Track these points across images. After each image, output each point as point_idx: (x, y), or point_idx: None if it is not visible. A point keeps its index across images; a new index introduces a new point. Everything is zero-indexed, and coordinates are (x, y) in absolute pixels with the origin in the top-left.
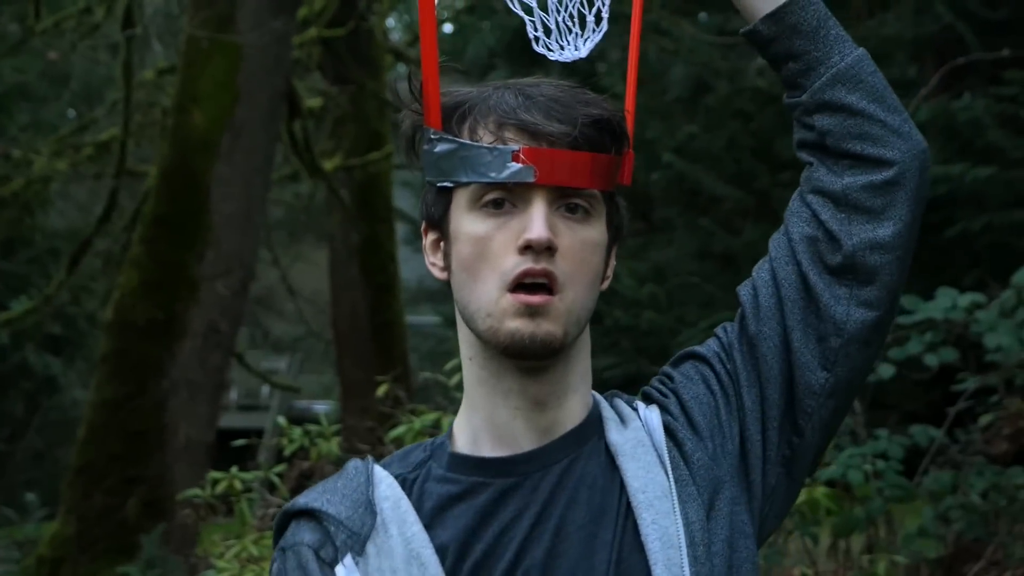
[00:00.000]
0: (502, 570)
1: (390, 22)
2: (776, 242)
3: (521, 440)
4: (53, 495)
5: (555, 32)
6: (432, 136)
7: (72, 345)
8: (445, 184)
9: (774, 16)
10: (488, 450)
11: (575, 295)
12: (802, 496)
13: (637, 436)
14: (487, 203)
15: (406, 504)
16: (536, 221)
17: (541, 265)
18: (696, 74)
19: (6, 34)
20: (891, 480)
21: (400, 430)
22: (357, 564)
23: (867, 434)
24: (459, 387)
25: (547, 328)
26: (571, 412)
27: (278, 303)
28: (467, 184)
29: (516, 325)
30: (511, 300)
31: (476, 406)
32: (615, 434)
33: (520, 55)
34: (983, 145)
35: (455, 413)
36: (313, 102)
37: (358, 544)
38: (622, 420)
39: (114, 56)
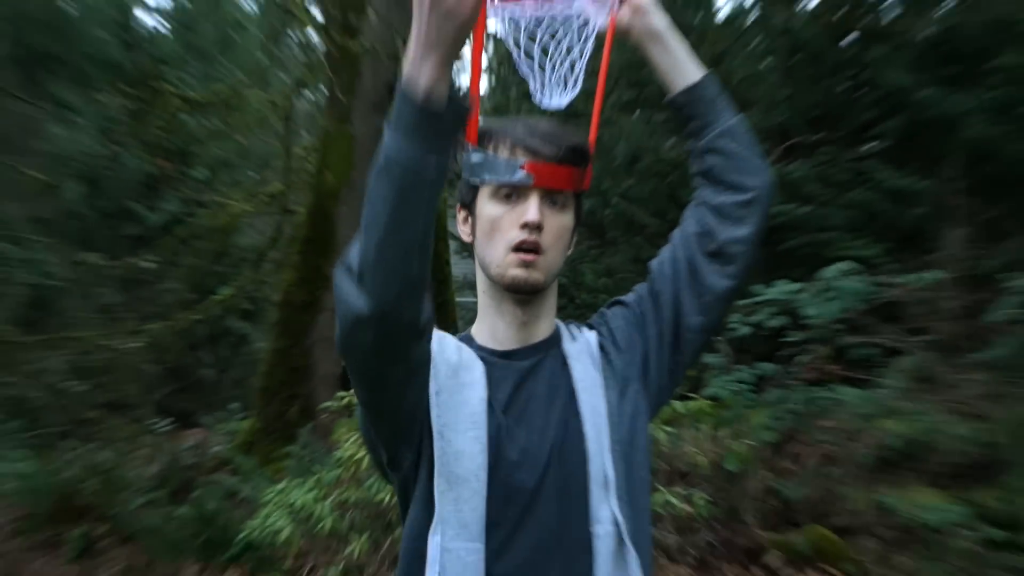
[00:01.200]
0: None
1: None
2: (676, 234)
3: (511, 343)
4: (247, 405)
5: (547, 90)
6: (470, 149)
7: (256, 316)
8: (475, 181)
9: (688, 90)
10: (490, 346)
11: (552, 257)
12: (694, 406)
13: (580, 347)
14: (502, 196)
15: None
16: (532, 209)
17: (533, 237)
18: (632, 148)
19: (214, 127)
20: (747, 396)
21: None
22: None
23: (733, 368)
24: None
25: (535, 276)
26: (542, 329)
27: None
28: (489, 182)
29: (516, 272)
30: (513, 257)
31: (484, 321)
32: (568, 344)
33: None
34: (805, 193)
35: None
36: None
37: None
38: (573, 337)
39: (278, 139)
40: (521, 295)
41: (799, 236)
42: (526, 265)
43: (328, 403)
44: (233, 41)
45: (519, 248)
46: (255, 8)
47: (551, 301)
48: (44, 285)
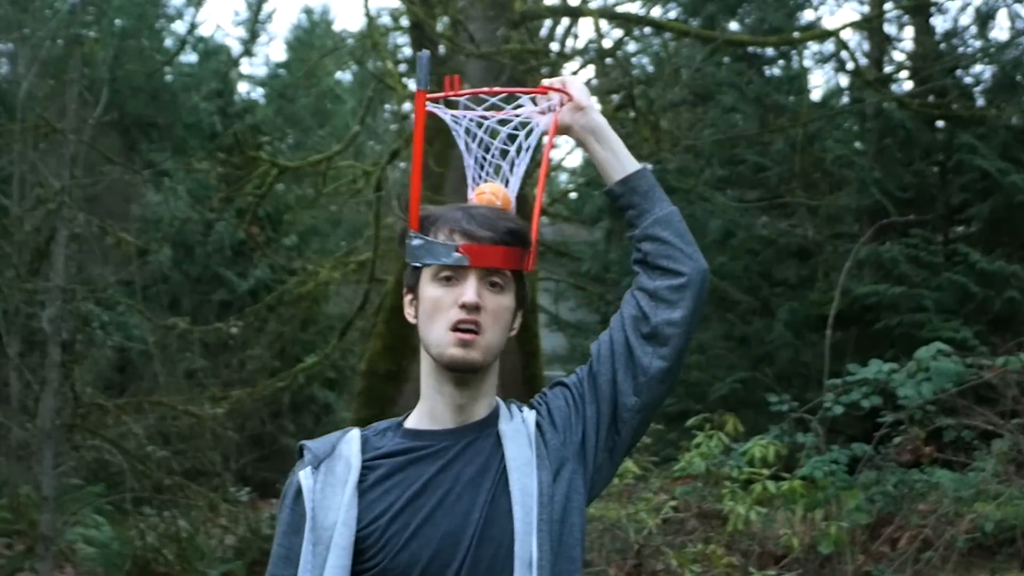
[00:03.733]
0: (408, 498)
1: None
2: (614, 318)
3: (447, 423)
4: None
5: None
6: (412, 235)
7: (341, 385)
8: (417, 265)
9: (624, 181)
10: (427, 425)
11: (491, 336)
12: (785, 486)
13: (516, 427)
14: (441, 278)
15: (357, 447)
16: (469, 290)
17: (471, 316)
18: (725, 225)
19: (306, 195)
20: (840, 477)
21: None
22: (313, 472)
23: (826, 448)
24: None
25: (472, 355)
26: (480, 409)
27: None
28: (430, 265)
29: (454, 351)
30: (452, 336)
31: (425, 402)
32: (504, 424)
33: (619, 212)
34: (897, 273)
35: None
36: None
37: (317, 461)
38: (511, 416)
39: (369, 208)
40: (459, 374)
41: (892, 316)
42: (464, 344)
43: None
44: (328, 111)
45: (457, 328)
46: (351, 79)
47: (490, 381)
48: (130, 348)
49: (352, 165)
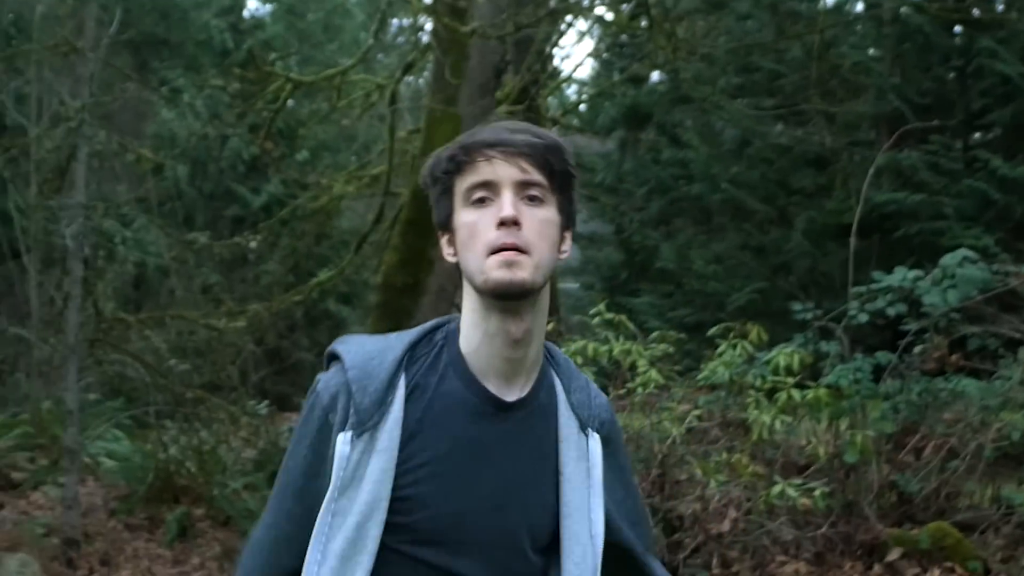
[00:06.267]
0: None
1: (551, 101)
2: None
3: (495, 373)
4: None
5: None
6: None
7: (355, 299)
8: (444, 178)
9: None
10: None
11: (539, 254)
12: (810, 394)
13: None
14: (474, 201)
15: (399, 413)
16: (505, 204)
17: (511, 238)
18: (740, 134)
19: (320, 110)
20: (865, 385)
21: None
22: (354, 440)
23: (850, 357)
24: (598, 325)
25: (521, 275)
26: (536, 352)
27: None
28: (455, 186)
29: (499, 274)
30: (494, 259)
31: (470, 340)
32: (563, 404)
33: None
34: (917, 181)
35: (596, 341)
36: None
37: (360, 427)
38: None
39: (382, 122)
40: (509, 302)
41: (912, 224)
42: (509, 264)
43: None
44: (337, 26)
45: (499, 249)
46: None
47: (544, 316)
48: (148, 263)
49: (365, 79)
